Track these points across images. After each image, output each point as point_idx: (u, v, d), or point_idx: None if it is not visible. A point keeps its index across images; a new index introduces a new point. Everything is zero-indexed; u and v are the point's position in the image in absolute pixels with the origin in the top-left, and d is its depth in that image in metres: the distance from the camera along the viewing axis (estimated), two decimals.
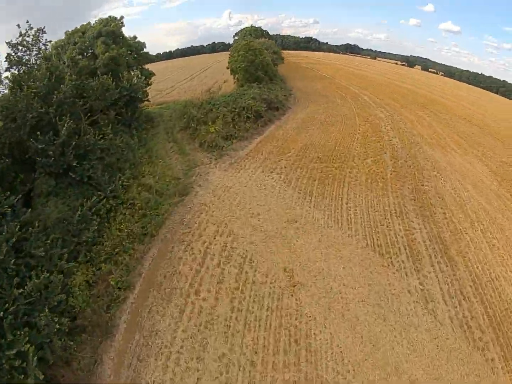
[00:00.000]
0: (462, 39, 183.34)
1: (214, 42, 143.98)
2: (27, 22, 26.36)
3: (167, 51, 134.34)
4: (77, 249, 20.19)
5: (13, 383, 12.81)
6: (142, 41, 46.56)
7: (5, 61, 25.79)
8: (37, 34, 27.15)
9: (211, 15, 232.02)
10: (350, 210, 26.43)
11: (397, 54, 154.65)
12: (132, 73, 39.80)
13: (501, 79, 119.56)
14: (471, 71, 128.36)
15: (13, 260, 16.05)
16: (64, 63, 32.03)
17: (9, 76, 25.59)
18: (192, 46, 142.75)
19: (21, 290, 14.96)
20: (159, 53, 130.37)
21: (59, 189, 24.06)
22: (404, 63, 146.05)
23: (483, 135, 50.43)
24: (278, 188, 28.39)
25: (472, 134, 49.22)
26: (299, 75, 76.68)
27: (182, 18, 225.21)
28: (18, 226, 17.17)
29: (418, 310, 19.48)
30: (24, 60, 26.67)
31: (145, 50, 47.12)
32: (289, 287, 20.21)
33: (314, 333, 17.80)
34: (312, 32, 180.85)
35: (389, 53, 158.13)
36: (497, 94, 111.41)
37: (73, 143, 23.75)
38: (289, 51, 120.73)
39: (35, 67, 26.80)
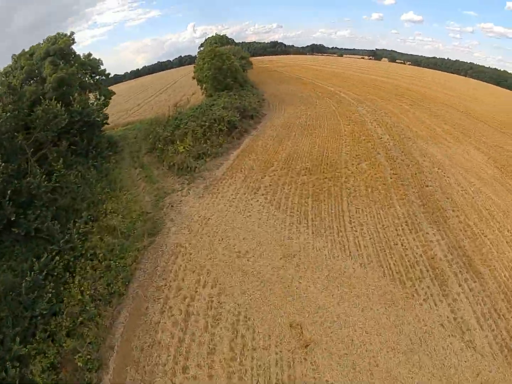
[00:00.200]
0: (425, 27, 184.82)
1: (180, 56, 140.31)
2: None
3: (135, 69, 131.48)
4: (32, 324, 16.07)
5: None
6: (98, 58, 40.32)
7: None
8: None
9: (175, 30, 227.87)
10: (356, 231, 21.80)
11: (362, 49, 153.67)
12: (86, 95, 34.41)
13: (468, 62, 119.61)
14: (438, 57, 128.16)
15: None
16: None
17: None
18: (159, 62, 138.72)
19: None
20: (127, 72, 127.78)
21: (1, 250, 19.39)
22: (371, 57, 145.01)
23: (469, 120, 47.63)
24: (266, 213, 23.48)
25: (459, 121, 46.22)
26: (270, 79, 72.57)
27: (147, 35, 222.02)
28: None
29: (455, 345, 15.64)
30: None
31: (102, 67, 40.48)
32: (300, 348, 15.35)
33: None
34: (277, 37, 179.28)
35: (354, 49, 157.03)
36: (466, 76, 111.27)
37: (9, 190, 19.26)
38: (257, 57, 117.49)
39: None
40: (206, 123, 34.46)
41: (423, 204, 25.27)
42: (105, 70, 40.41)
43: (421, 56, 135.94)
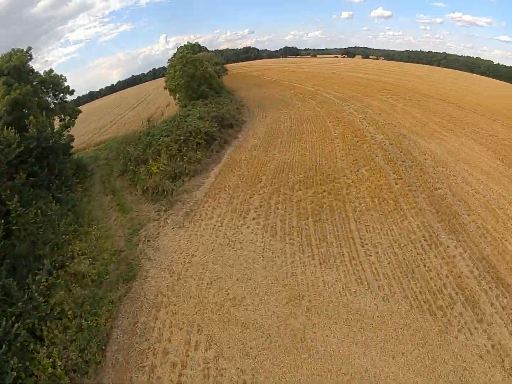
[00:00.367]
0: (395, 22, 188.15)
1: (154, 68, 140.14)
2: None
3: (110, 85, 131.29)
4: None
5: None
6: (59, 74, 35.80)
7: None
8: None
9: (148, 42, 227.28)
10: (370, 256, 18.12)
11: (335, 49, 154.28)
12: (48, 117, 30.08)
13: (441, 52, 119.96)
14: (410, 50, 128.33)
15: None
16: None
17: None
18: (133, 76, 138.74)
19: None
20: (102, 88, 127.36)
21: None
22: (344, 55, 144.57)
23: (459, 111, 45.41)
24: (261, 242, 19.47)
25: (448, 112, 43.82)
26: (246, 84, 69.22)
27: (120, 50, 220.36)
28: None
29: (497, 377, 13.07)
30: None
31: (66, 84, 35.92)
32: None
33: None
34: (249, 42, 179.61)
35: (326, 49, 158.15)
36: (439, 66, 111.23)
37: None
38: (231, 64, 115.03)
39: None
40: (181, 137, 30.44)
41: (437, 212, 21.97)
42: (68, 87, 35.68)
43: (394, 50, 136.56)
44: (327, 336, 14.25)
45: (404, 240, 19.43)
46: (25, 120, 26.44)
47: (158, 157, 29.24)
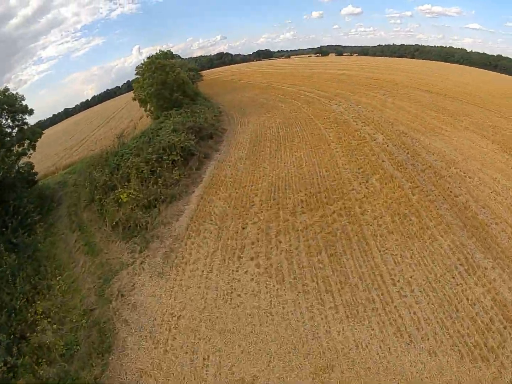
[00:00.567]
0: (365, 18, 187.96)
1: (128, 81, 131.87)
2: None
3: (84, 100, 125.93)
4: None
5: None
6: (15, 92, 30.16)
7: None
8: None
9: (121, 55, 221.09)
10: (405, 297, 13.69)
11: (308, 48, 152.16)
12: None
13: (413, 44, 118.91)
14: (383, 44, 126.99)
15: None
16: None
17: None
18: (107, 89, 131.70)
19: None
20: (77, 104, 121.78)
21: None
22: (318, 54, 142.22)
23: (451, 102, 42.07)
24: (266, 294, 14.64)
25: (442, 104, 40.29)
26: (223, 89, 64.59)
27: (94, 64, 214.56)
28: None
29: None
30: None
31: (23, 103, 30.00)
32: None
33: None
34: (222, 48, 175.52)
35: (299, 49, 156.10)
36: (414, 58, 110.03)
37: None
38: (205, 71, 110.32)
39: None
40: (153, 156, 25.41)
41: (464, 225, 17.91)
42: (26, 106, 29.99)
43: (367, 46, 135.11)
44: None
45: (440, 269, 15.26)
46: None
47: (127, 182, 24.28)
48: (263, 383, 11.39)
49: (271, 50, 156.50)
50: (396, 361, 11.68)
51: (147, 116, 40.98)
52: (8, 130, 29.25)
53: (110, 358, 13.17)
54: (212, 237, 18.59)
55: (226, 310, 14.03)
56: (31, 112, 30.70)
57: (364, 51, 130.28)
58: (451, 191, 21.06)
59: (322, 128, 31.68)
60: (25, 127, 30.24)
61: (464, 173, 23.43)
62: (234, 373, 11.82)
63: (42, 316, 15.16)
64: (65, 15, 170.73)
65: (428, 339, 12.28)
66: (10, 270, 17.64)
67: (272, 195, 21.33)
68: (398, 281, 14.60)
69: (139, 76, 39.20)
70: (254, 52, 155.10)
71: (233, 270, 16.10)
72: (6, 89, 30.21)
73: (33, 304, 15.90)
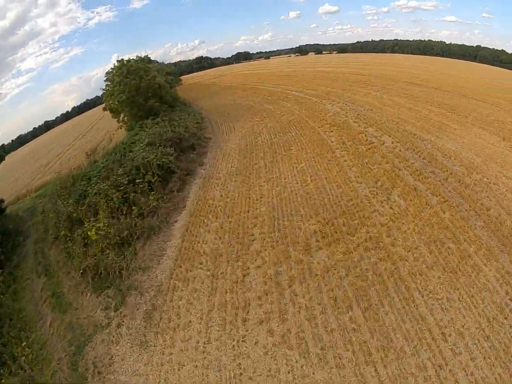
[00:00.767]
0: (342, 16, 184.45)
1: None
2: None
3: (64, 112, 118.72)
4: None
5: None
6: None
7: None
8: None
9: (100, 63, 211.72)
10: (459, 354, 9.48)
11: (286, 49, 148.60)
12: None
13: (392, 39, 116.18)
14: (362, 41, 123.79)
15: None
16: None
17: None
18: (87, 99, 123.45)
19: None
20: (58, 116, 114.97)
21: None
22: (297, 54, 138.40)
23: (449, 96, 38.32)
24: (287, 375, 9.91)
25: (441, 99, 36.32)
26: (204, 93, 59.39)
27: (73, 74, 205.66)
28: None
29: None
30: None
31: None
32: None
33: None
34: (201, 52, 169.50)
35: (278, 50, 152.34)
36: (393, 53, 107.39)
37: None
38: (185, 76, 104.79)
39: None
40: (125, 179, 20.24)
41: (504, 245, 13.95)
42: None
43: (346, 43, 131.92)
44: None
45: (490, 309, 11.24)
46: None
47: (95, 214, 19.12)
48: None
49: (250, 52, 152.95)
50: None
51: (120, 128, 35.35)
52: None
53: None
54: (204, 289, 13.61)
55: None
56: None
57: (343, 48, 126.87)
58: (481, 204, 16.87)
59: (321, 132, 26.95)
60: None
61: (488, 178, 19.39)
62: None
63: None
64: (42, 26, 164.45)
65: None
66: None
67: (275, 225, 16.39)
68: (450, 335, 10.38)
69: (109, 83, 33.38)
70: (233, 55, 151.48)
71: (238, 340, 11.25)
72: None
73: None
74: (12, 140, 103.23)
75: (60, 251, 19.39)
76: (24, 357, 12.68)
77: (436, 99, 36.86)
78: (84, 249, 17.32)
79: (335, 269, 13.32)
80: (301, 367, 10.17)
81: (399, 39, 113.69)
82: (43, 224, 23.42)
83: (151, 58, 73.52)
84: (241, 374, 10.36)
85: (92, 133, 61.42)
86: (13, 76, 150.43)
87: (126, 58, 33.82)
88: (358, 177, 19.38)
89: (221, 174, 22.57)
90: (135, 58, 51.11)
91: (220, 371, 10.57)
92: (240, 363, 10.65)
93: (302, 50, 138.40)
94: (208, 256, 15.35)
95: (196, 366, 10.84)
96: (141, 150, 22.64)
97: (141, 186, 20.32)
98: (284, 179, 20.15)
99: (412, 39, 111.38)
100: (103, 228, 17.75)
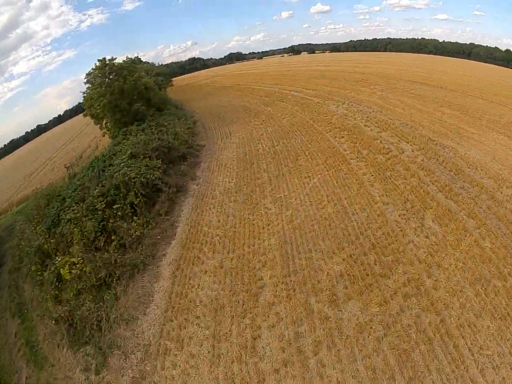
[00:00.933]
0: (334, 15, 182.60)
1: None
2: None
3: (57, 115, 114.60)
4: None
5: None
6: None
7: None
8: None
9: (92, 66, 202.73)
10: None
11: (279, 49, 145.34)
12: None
13: (385, 37, 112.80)
14: (355, 40, 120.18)
15: None
16: None
17: None
18: (79, 103, 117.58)
19: None
20: (50, 120, 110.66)
21: None
22: (290, 53, 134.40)
23: (457, 96, 35.11)
24: None
25: (449, 99, 33.17)
26: (197, 95, 55.24)
27: (66, 78, 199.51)
28: None
29: None
30: None
31: None
32: None
33: None
34: (194, 53, 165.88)
35: (271, 50, 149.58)
36: (387, 51, 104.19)
37: None
38: (177, 77, 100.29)
39: None
40: (102, 203, 16.24)
41: None
42: None
43: (339, 42, 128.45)
44: None
45: None
46: None
47: (69, 246, 15.22)
48: None
49: (243, 53, 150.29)
50: None
51: (104, 135, 31.11)
52: None
53: None
54: (204, 356, 9.92)
55: None
56: None
57: (336, 47, 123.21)
58: None
59: (330, 137, 23.16)
60: None
61: None
62: None
63: None
64: (34, 29, 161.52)
65: None
66: None
67: (290, 264, 12.55)
68: None
69: (89, 85, 28.94)
70: (226, 56, 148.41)
71: None
72: None
73: None
74: (5, 145, 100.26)
75: (34, 286, 15.77)
76: None
77: (444, 99, 33.59)
78: (57, 292, 13.80)
79: (371, 327, 9.67)
80: None
81: (392, 37, 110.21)
82: (18, 249, 19.46)
83: (141, 59, 69.56)
84: None
85: (80, 138, 57.34)
86: (5, 80, 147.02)
87: (119, 60, 29.42)
88: (383, 195, 15.64)
89: (218, 191, 18.60)
90: (126, 58, 46.81)
91: None
92: None
93: (295, 50, 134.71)
94: (206, 308, 11.50)
95: None
96: (122, 164, 18.61)
97: (122, 208, 16.31)
98: (295, 199, 16.27)
99: (405, 38, 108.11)
100: (78, 265, 13.94)
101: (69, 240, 15.76)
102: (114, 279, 13.71)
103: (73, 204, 17.23)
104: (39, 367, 11.90)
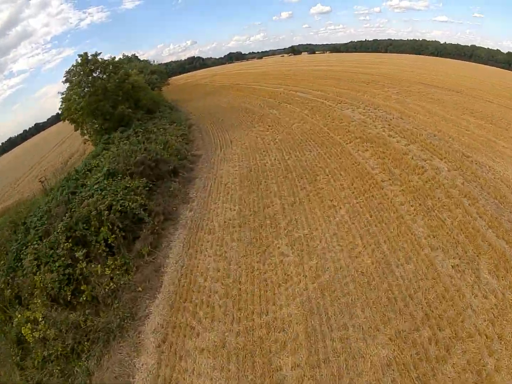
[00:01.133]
0: (334, 16, 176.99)
1: None
2: None
3: (55, 113, 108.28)
4: None
5: None
6: None
7: None
8: None
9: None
10: None
11: (279, 49, 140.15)
12: None
13: (386, 39, 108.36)
14: (355, 41, 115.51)
15: None
16: None
17: None
18: None
19: None
20: (49, 118, 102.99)
21: None
22: (290, 53, 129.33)
23: (476, 102, 30.95)
24: None
25: (469, 105, 29.04)
26: (195, 94, 50.61)
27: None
28: None
29: None
30: None
31: None
32: None
33: None
34: (193, 53, 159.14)
35: (271, 50, 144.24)
36: (387, 52, 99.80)
37: None
38: (176, 77, 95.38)
39: None
40: (67, 244, 11.84)
41: None
42: None
43: (339, 43, 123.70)
44: None
45: None
46: None
47: (31, 296, 11.01)
48: None
49: (243, 53, 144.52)
50: None
51: (85, 143, 26.42)
52: None
53: None
54: None
55: None
56: None
57: (336, 48, 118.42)
58: None
59: (351, 150, 18.85)
60: None
61: None
62: None
63: None
64: (34, 26, 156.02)
65: None
66: None
67: (319, 348, 8.40)
68: None
69: (68, 84, 24.04)
70: (225, 55, 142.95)
71: None
72: None
73: None
74: (2, 143, 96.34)
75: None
76: None
77: (463, 104, 29.56)
78: (18, 357, 9.98)
79: None
80: None
81: (392, 38, 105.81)
82: None
83: (138, 57, 64.40)
84: None
85: (72, 140, 52.26)
86: (5, 78, 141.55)
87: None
88: (430, 236, 11.56)
89: (216, 222, 14.18)
90: (122, 56, 41.74)
91: None
92: None
93: (295, 50, 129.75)
94: None
95: None
96: (96, 186, 14.15)
97: (93, 248, 11.96)
98: (319, 240, 11.92)
99: (406, 39, 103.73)
100: (41, 326, 10.00)
101: (29, 293, 11.47)
102: (85, 347, 9.58)
103: (36, 239, 12.87)
104: None
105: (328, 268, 10.92)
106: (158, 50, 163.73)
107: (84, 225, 12.72)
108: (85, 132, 24.56)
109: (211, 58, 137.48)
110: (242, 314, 9.71)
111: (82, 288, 11.22)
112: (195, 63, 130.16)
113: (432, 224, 12.30)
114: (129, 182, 14.75)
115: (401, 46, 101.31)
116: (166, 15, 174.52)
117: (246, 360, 8.57)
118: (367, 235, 11.88)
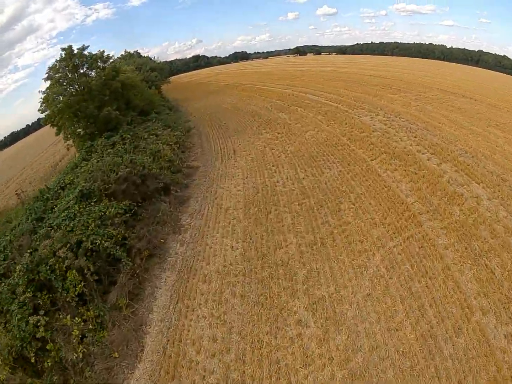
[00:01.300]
0: (341, 18, 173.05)
1: None
2: None
3: None
4: None
5: None
6: None
7: None
8: None
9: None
10: None
11: (284, 49, 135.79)
12: None
13: (392, 41, 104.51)
14: (361, 43, 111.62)
15: None
16: None
17: None
18: None
19: None
20: None
21: None
22: (296, 54, 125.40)
23: (497, 112, 27.63)
24: None
25: (491, 116, 25.92)
26: (199, 94, 47.22)
27: None
28: None
29: None
30: None
31: None
32: None
33: None
34: (198, 51, 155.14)
35: (276, 50, 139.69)
36: (393, 55, 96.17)
37: None
38: (180, 75, 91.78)
39: None
40: (29, 292, 8.72)
41: None
42: None
43: (345, 45, 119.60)
44: None
45: None
46: None
47: None
48: None
49: (248, 52, 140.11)
50: None
51: (68, 149, 22.99)
52: None
53: None
54: None
55: None
56: None
57: (342, 50, 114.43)
58: None
59: (378, 169, 15.68)
60: None
61: None
62: None
63: None
64: (40, 21, 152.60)
65: None
66: None
67: None
68: None
69: (50, 82, 20.51)
70: (230, 54, 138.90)
71: None
72: None
73: None
74: (5, 137, 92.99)
75: None
76: None
77: (486, 114, 26.73)
78: None
79: None
80: None
81: (399, 41, 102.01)
82: None
83: (141, 54, 60.53)
84: None
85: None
86: (9, 72, 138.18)
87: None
88: (479, 295, 8.71)
89: (213, 266, 10.96)
90: (124, 53, 37.99)
91: None
92: None
93: (300, 51, 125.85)
94: None
95: None
96: (64, 214, 10.87)
97: (60, 296, 8.83)
98: (349, 304, 8.78)
99: (412, 42, 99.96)
100: None
101: None
102: None
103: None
104: None
105: (361, 346, 7.79)
106: (163, 47, 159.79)
107: (46, 268, 9.52)
108: (68, 137, 21.12)
109: (216, 57, 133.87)
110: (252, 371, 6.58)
111: (47, 349, 8.20)
112: (200, 62, 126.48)
113: (481, 276, 9.28)
114: (106, 207, 11.51)
115: (407, 49, 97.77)
116: (172, 13, 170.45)
117: None
118: (409, 296, 8.75)
